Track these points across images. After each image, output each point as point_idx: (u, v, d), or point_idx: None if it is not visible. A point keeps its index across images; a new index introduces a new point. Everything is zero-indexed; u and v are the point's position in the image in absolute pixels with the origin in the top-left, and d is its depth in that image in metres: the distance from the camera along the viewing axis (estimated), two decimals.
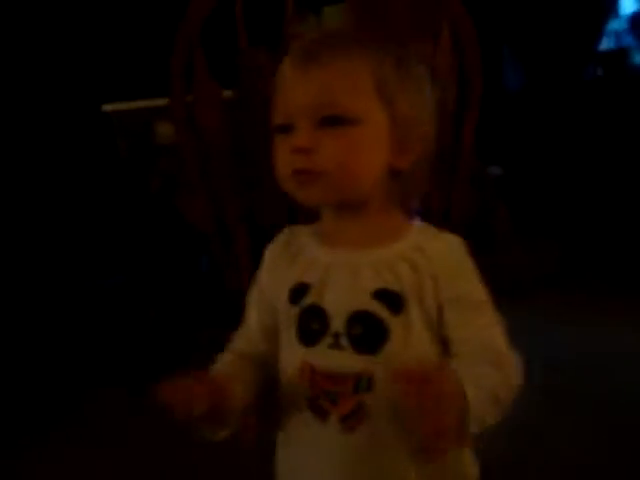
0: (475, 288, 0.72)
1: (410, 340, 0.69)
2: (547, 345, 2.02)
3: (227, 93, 1.16)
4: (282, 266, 0.76)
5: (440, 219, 1.44)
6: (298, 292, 0.73)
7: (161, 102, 1.95)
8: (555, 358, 1.93)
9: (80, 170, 2.63)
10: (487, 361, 0.67)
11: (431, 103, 0.74)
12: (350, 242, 0.73)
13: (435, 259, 0.71)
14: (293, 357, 0.72)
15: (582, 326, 2.21)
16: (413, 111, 0.71)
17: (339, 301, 0.70)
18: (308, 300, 0.72)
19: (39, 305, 2.44)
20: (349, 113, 0.68)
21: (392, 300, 0.69)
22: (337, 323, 0.70)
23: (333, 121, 0.68)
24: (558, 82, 3.23)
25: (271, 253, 0.79)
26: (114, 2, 2.66)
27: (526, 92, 3.33)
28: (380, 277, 0.70)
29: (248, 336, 0.79)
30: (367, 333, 0.69)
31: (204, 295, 2.24)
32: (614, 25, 3.36)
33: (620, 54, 3.27)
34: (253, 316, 0.79)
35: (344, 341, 0.69)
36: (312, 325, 0.71)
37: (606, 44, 3.38)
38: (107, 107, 2.06)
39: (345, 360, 0.69)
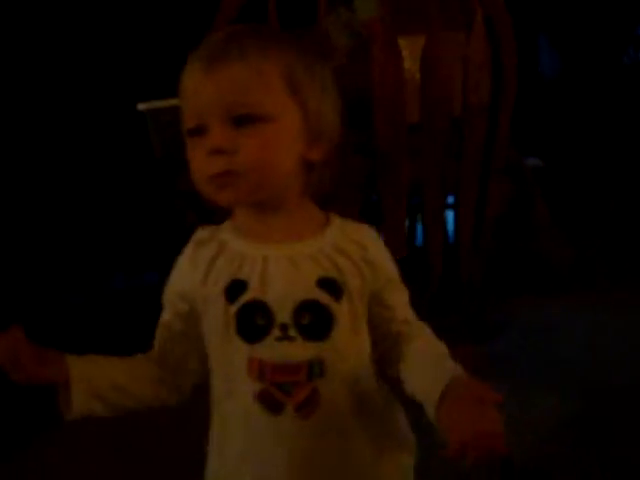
0: (395, 268, 0.77)
1: (354, 323, 0.72)
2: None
3: None
4: (203, 266, 0.74)
5: (475, 208, 1.43)
6: (234, 289, 0.71)
7: None
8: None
9: (114, 168, 2.67)
10: (429, 335, 0.75)
11: (336, 98, 0.74)
12: (274, 236, 0.73)
13: (368, 246, 0.75)
14: (234, 355, 0.71)
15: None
16: (322, 105, 0.72)
17: (284, 293, 0.70)
18: (247, 296, 0.70)
19: (70, 300, 2.49)
20: (262, 110, 0.67)
21: (333, 287, 0.71)
22: (283, 315, 0.70)
23: (247, 119, 0.67)
24: (596, 67, 3.15)
25: (188, 254, 0.76)
26: (149, 1, 2.69)
27: (563, 79, 3.26)
28: (320, 266, 0.72)
29: (161, 336, 0.77)
30: (315, 321, 0.71)
31: None
32: None
33: None
34: (165, 317, 0.77)
35: (292, 332, 0.70)
36: (256, 320, 0.70)
37: None
38: (141, 106, 2.08)
39: (296, 350, 0.70)
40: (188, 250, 0.76)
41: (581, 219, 2.88)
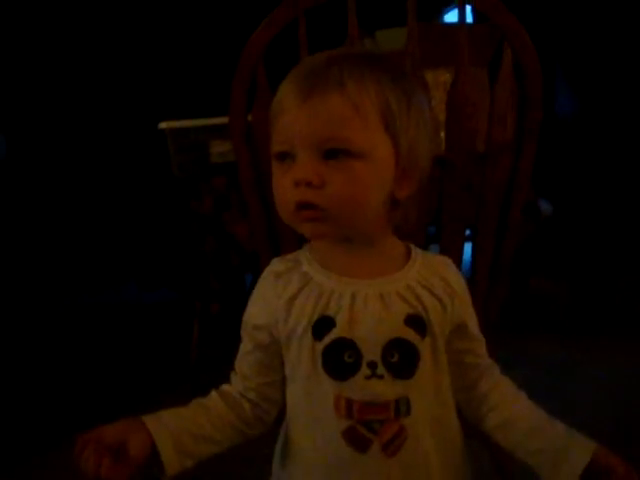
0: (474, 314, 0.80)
1: (435, 359, 0.73)
2: None
3: None
4: (286, 298, 0.73)
5: (492, 251, 1.43)
6: (322, 326, 0.71)
7: (217, 121, 2.00)
8: None
9: (134, 187, 2.69)
10: (511, 384, 0.81)
11: (431, 129, 0.74)
12: (360, 272, 0.73)
13: (450, 279, 0.76)
14: (319, 392, 0.71)
15: None
16: (416, 143, 0.71)
17: (373, 331, 0.70)
18: (335, 333, 0.70)
19: (81, 312, 2.49)
20: (355, 147, 0.66)
21: (420, 325, 0.72)
22: (371, 353, 0.70)
23: (337, 154, 0.66)
24: (613, 108, 3.15)
25: (269, 286, 0.75)
26: (174, 22, 2.73)
27: (580, 119, 3.26)
28: (407, 303, 0.72)
29: (242, 372, 0.77)
30: (403, 359, 0.70)
31: None
32: None
33: None
34: (247, 348, 0.77)
35: (381, 370, 0.69)
36: (344, 358, 0.70)
37: None
38: (162, 124, 2.10)
39: (384, 388, 0.69)
40: (267, 281, 0.75)
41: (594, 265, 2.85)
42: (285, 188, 0.67)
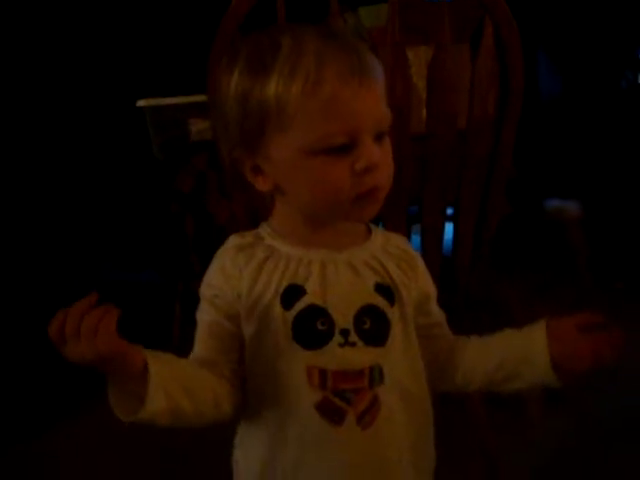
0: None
1: (405, 329, 0.73)
2: None
3: None
4: (251, 270, 0.71)
5: (474, 225, 1.43)
6: (291, 294, 0.69)
7: (196, 99, 1.97)
8: None
9: (113, 166, 2.66)
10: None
11: None
12: (328, 243, 0.72)
13: (410, 253, 0.78)
14: (290, 363, 0.69)
15: None
16: None
17: (345, 297, 0.70)
18: (306, 301, 0.69)
19: (59, 299, 2.47)
20: (389, 125, 0.69)
21: (388, 292, 0.72)
22: (343, 320, 0.69)
23: (383, 135, 0.69)
24: (595, 90, 3.16)
25: (229, 258, 0.73)
26: None
27: (563, 99, 3.27)
28: (374, 272, 0.72)
29: (206, 347, 0.73)
30: (374, 326, 0.70)
31: None
32: None
33: None
34: (210, 326, 0.73)
35: (354, 337, 0.69)
36: (317, 326, 0.69)
37: None
38: (141, 102, 2.06)
39: (358, 356, 0.69)
40: (227, 255, 0.73)
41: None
42: (343, 178, 0.65)
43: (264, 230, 0.76)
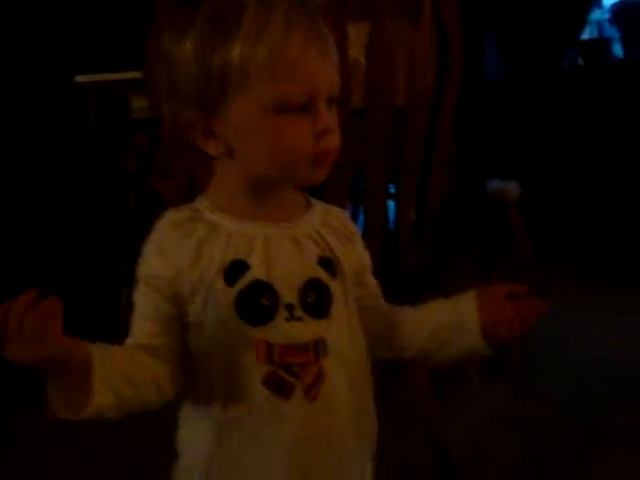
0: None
1: (346, 300, 0.74)
2: None
3: None
4: (191, 247, 0.70)
5: (416, 201, 1.44)
6: (234, 271, 0.69)
7: (137, 75, 1.91)
8: None
9: (52, 145, 2.58)
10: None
11: None
12: (270, 216, 0.73)
13: (348, 226, 0.79)
14: (236, 342, 0.69)
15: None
16: None
17: (289, 271, 0.70)
18: (250, 277, 0.69)
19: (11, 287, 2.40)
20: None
21: (330, 265, 0.73)
22: (289, 295, 0.69)
23: (333, 101, 0.70)
24: (538, 71, 3.22)
25: (164, 236, 0.72)
26: None
27: (508, 81, 3.32)
28: (317, 245, 0.73)
29: (144, 330, 0.71)
30: (318, 299, 0.71)
31: None
32: (597, 15, 3.37)
33: (601, 44, 3.28)
34: (148, 308, 0.71)
35: (299, 311, 0.69)
36: (262, 302, 0.68)
37: (588, 34, 3.39)
38: (80, 78, 2.00)
39: (304, 330, 0.70)
40: (164, 232, 0.71)
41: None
42: (303, 137, 0.67)
43: (201, 204, 0.75)
